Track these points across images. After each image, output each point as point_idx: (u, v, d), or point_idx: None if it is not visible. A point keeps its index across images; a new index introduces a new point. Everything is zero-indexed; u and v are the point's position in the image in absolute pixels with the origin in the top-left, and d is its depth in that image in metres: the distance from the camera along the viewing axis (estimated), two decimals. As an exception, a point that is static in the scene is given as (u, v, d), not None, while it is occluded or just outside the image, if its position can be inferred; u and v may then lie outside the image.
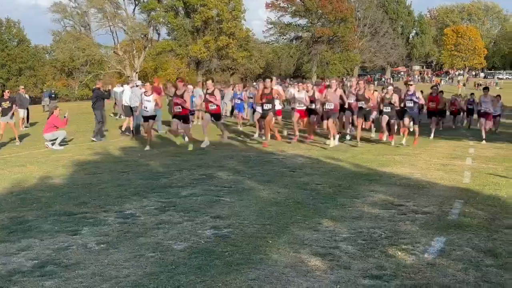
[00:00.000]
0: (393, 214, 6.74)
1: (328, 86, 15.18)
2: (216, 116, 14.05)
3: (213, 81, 14.38)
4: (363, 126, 16.01)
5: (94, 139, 16.03)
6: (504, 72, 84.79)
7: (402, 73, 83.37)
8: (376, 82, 64.54)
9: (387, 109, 14.91)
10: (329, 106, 14.11)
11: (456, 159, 12.33)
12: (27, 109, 23.61)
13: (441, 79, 75.45)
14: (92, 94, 18.49)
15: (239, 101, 21.56)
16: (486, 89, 18.43)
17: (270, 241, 5.46)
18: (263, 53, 78.69)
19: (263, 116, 14.28)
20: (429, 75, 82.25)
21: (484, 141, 16.15)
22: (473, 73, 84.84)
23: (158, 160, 11.37)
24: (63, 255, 5.06)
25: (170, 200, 7.46)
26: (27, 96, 25.02)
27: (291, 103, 16.34)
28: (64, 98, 59.60)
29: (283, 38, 79.04)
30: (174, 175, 9.55)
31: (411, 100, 14.52)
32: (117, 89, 25.76)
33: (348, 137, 16.14)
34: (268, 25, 76.93)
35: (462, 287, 4.28)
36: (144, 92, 14.36)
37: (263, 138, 15.02)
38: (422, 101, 15.44)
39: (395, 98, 14.86)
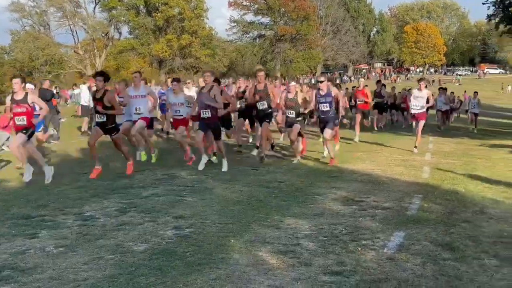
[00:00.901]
0: (354, 210, 6.82)
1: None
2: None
3: (24, 81, 9.53)
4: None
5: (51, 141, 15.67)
6: (463, 68, 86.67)
7: (364, 70, 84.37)
8: (338, 80, 65.12)
9: (290, 114, 11.15)
10: (205, 114, 9.92)
11: (415, 154, 12.54)
12: (-15, 111, 23.00)
13: (397, 76, 76.61)
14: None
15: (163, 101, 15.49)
16: (421, 80, 14.34)
17: (232, 240, 5.45)
18: (227, 51, 78.52)
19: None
20: (390, 72, 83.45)
21: (415, 149, 13.05)
22: (432, 69, 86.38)
23: (119, 161, 11.20)
24: (20, 259, 4.94)
25: (131, 201, 7.36)
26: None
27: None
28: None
29: (246, 37, 79.02)
30: (135, 176, 9.44)
31: (325, 102, 10.85)
32: (76, 91, 24.06)
33: (255, 152, 12.26)
34: (231, 24, 76.85)
35: (420, 281, 4.36)
36: None
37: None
38: (339, 96, 11.53)
39: (301, 99, 11.21)
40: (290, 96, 11.12)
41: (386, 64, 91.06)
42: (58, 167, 10.12)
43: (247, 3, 75.13)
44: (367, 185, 8.59)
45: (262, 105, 11.05)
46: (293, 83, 11.60)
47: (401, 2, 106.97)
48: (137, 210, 6.80)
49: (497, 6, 25.26)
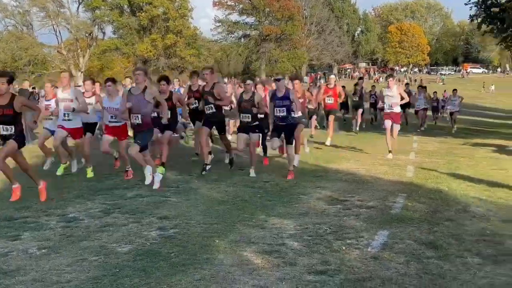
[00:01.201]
0: (339, 210, 6.85)
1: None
2: None
3: None
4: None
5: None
6: (446, 68, 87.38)
7: (349, 70, 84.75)
8: (322, 80, 65.37)
9: (245, 118, 9.57)
10: (135, 120, 8.18)
11: (400, 153, 12.60)
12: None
13: (380, 76, 76.99)
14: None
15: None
16: (389, 76, 13.15)
17: (217, 241, 5.44)
18: (212, 51, 78.40)
19: None
20: (375, 72, 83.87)
21: (390, 154, 12.01)
22: (416, 69, 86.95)
23: (102, 161, 11.13)
24: (2, 261, 4.88)
25: (115, 202, 7.32)
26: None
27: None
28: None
29: (231, 36, 78.92)
30: (119, 176, 9.38)
31: (282, 106, 9.07)
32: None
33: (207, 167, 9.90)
34: (216, 23, 76.72)
35: (404, 279, 4.38)
36: None
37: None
38: (297, 101, 9.38)
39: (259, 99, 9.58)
40: (246, 96, 9.46)
41: (370, 64, 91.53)
42: (40, 168, 10.01)
43: (232, 3, 75.05)
44: (352, 185, 8.64)
45: (210, 109, 9.49)
46: (249, 81, 9.80)
47: (385, 2, 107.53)
48: (121, 211, 6.76)
49: (479, 7, 25.49)
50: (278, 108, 9.09)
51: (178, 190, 8.18)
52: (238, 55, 76.28)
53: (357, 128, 18.68)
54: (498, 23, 24.82)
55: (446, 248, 5.22)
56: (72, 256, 4.97)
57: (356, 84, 21.05)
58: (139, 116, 8.04)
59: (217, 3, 74.57)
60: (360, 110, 19.15)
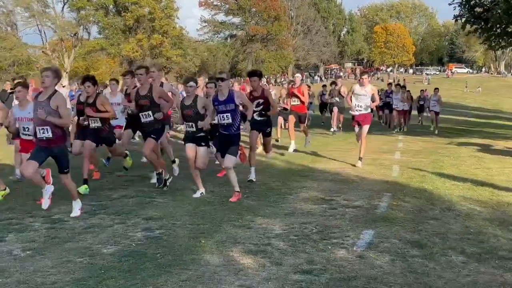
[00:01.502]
0: (324, 209, 6.88)
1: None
2: None
3: None
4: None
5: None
6: (432, 68, 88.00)
7: (335, 70, 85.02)
8: (308, 80, 65.55)
9: (189, 127, 7.72)
10: (43, 133, 6.39)
11: (385, 153, 12.69)
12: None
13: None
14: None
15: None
16: (364, 73, 11.58)
17: (203, 241, 5.44)
18: (198, 51, 78.30)
19: None
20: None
21: (359, 162, 10.58)
22: (402, 69, 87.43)
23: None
24: (-14, 264, 4.85)
25: (101, 203, 7.29)
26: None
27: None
28: (-10, 100, 56.95)
29: (217, 37, 79.09)
30: (105, 177, 9.33)
31: (226, 111, 7.42)
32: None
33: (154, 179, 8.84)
34: (202, 24, 76.67)
35: (389, 278, 4.41)
36: None
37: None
38: (248, 103, 7.89)
39: (205, 104, 7.61)
40: (187, 101, 7.63)
41: (356, 64, 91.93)
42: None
43: (218, 3, 75.11)
44: (337, 184, 8.68)
45: (146, 117, 7.94)
46: (191, 83, 7.63)
47: (370, 3, 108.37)
48: (107, 212, 6.74)
49: (462, 7, 25.66)
50: (221, 115, 7.48)
51: (164, 190, 8.15)
52: (224, 55, 76.33)
53: (336, 129, 18.02)
54: (482, 23, 24.99)
55: (430, 246, 5.27)
56: (57, 257, 4.94)
57: (333, 83, 20.15)
58: (48, 128, 6.33)
59: (203, 3, 74.59)
60: (336, 109, 18.47)
